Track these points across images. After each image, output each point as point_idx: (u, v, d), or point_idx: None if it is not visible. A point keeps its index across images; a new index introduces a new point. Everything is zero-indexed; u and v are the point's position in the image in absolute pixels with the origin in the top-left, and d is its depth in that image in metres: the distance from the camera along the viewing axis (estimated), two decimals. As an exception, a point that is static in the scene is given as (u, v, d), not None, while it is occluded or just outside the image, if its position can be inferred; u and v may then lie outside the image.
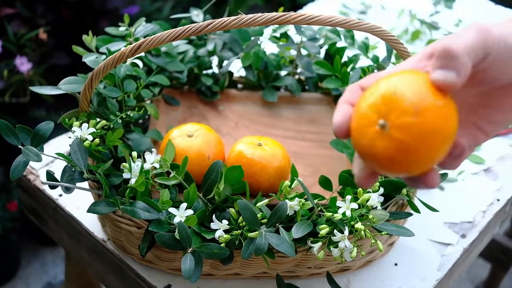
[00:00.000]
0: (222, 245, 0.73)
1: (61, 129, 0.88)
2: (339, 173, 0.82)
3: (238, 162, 0.82)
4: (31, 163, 1.00)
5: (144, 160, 0.79)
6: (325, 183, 0.82)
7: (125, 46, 0.90)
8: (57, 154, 0.77)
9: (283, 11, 0.75)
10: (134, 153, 0.79)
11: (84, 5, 1.87)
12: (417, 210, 0.81)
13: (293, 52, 1.04)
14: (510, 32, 0.48)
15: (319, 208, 0.76)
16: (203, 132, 0.87)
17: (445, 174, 0.81)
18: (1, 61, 1.75)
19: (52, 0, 1.84)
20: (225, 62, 1.03)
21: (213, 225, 0.76)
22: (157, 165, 0.79)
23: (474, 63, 0.46)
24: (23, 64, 1.68)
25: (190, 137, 0.85)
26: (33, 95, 1.77)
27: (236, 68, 1.08)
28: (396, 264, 0.89)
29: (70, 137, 0.79)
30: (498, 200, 1.00)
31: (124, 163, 0.78)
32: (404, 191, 0.80)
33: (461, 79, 0.45)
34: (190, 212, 0.75)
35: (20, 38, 1.78)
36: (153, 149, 0.81)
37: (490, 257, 1.68)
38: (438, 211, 0.83)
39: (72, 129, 0.79)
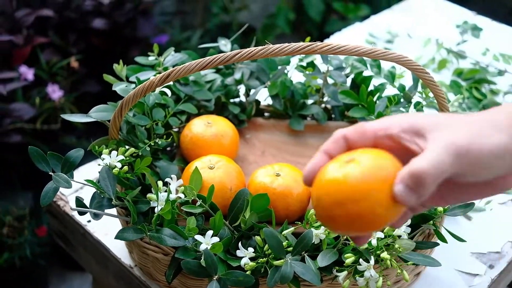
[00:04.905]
0: (247, 272, 0.74)
1: (90, 156, 0.89)
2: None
3: (257, 192, 0.82)
4: (61, 189, 1.01)
5: (170, 191, 0.79)
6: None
7: (154, 75, 0.92)
8: (86, 181, 0.79)
9: (310, 41, 0.76)
10: (160, 183, 0.80)
11: (115, 34, 1.91)
12: (444, 240, 0.81)
13: (319, 81, 1.05)
14: (484, 142, 0.50)
15: (345, 237, 0.77)
16: (224, 164, 0.87)
17: (472, 204, 0.80)
18: (33, 89, 1.79)
19: (83, 29, 1.89)
20: (252, 91, 1.04)
21: (239, 253, 0.76)
22: (182, 196, 0.79)
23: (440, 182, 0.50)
24: (55, 92, 1.72)
25: (212, 169, 0.86)
26: (64, 122, 1.80)
27: (263, 96, 1.09)
28: (422, 295, 0.88)
29: (99, 164, 0.80)
30: (527, 230, 0.98)
31: (149, 195, 0.79)
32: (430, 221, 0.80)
33: (418, 203, 0.50)
34: (216, 239, 0.75)
35: (52, 67, 1.82)
36: (173, 176, 0.82)
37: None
38: (465, 241, 0.82)
39: (102, 156, 0.80)
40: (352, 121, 1.04)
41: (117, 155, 0.81)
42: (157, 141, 0.89)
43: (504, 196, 1.05)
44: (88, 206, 0.79)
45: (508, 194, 1.05)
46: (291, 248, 0.75)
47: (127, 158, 0.81)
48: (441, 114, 0.54)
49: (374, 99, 0.99)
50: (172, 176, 0.82)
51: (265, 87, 1.02)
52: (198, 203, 0.79)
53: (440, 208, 0.79)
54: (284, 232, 0.77)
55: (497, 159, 0.50)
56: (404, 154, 0.52)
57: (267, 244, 0.75)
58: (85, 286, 1.94)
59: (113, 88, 0.89)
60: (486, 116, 0.53)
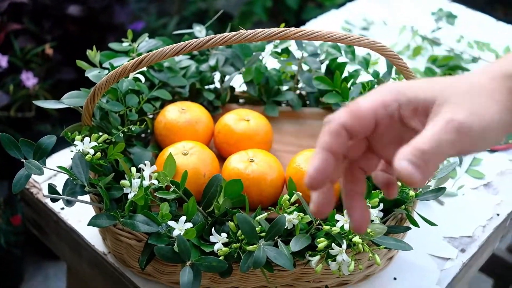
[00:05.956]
0: (221, 258, 0.74)
1: (64, 142, 0.89)
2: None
3: (230, 178, 0.82)
4: (34, 176, 1.01)
5: (143, 177, 0.79)
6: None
7: (128, 61, 0.91)
8: (58, 167, 0.78)
9: (285, 27, 0.76)
10: (134, 169, 0.80)
11: (91, 21, 1.89)
12: (416, 224, 0.82)
13: (294, 68, 1.05)
14: None
15: (318, 222, 0.77)
16: (198, 150, 0.87)
17: (443, 188, 0.81)
18: (7, 76, 1.77)
19: (59, 16, 1.86)
20: (227, 77, 1.04)
21: (212, 238, 0.76)
22: (155, 182, 0.79)
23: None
24: (29, 79, 1.70)
25: (185, 155, 0.86)
26: (38, 109, 1.78)
27: (238, 83, 1.09)
28: (395, 279, 0.89)
29: (72, 151, 0.80)
30: (498, 214, 1.00)
31: (123, 181, 0.79)
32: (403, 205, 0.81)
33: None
34: (189, 225, 0.75)
35: (27, 53, 1.80)
36: (146, 162, 0.81)
37: (491, 272, 1.67)
38: (437, 225, 0.83)
39: (74, 143, 0.80)
40: (327, 107, 1.04)
41: (90, 142, 0.80)
42: (130, 127, 0.89)
43: (476, 181, 1.06)
44: (60, 193, 0.78)
45: (480, 179, 1.06)
46: (264, 234, 0.76)
47: (100, 144, 0.81)
48: (436, 82, 0.50)
49: (348, 85, 1.00)
50: (145, 162, 0.81)
51: (240, 73, 1.02)
52: (172, 189, 0.79)
53: (412, 193, 0.79)
54: (257, 217, 0.77)
55: (495, 131, 0.47)
56: (403, 130, 0.50)
57: (240, 230, 0.75)
58: (60, 274, 1.93)
59: (86, 74, 0.88)
60: (480, 83, 0.50)
